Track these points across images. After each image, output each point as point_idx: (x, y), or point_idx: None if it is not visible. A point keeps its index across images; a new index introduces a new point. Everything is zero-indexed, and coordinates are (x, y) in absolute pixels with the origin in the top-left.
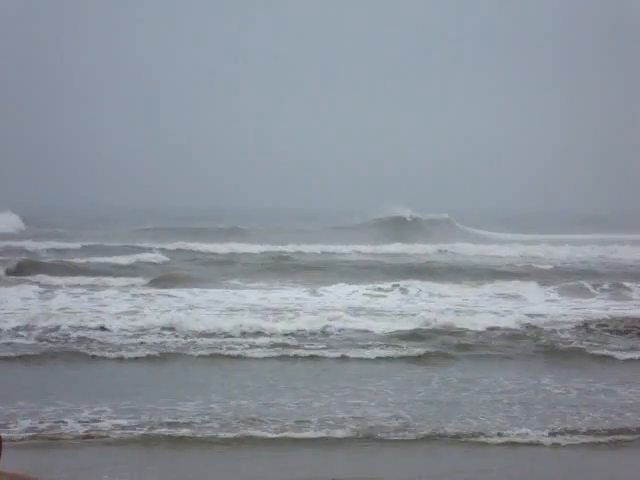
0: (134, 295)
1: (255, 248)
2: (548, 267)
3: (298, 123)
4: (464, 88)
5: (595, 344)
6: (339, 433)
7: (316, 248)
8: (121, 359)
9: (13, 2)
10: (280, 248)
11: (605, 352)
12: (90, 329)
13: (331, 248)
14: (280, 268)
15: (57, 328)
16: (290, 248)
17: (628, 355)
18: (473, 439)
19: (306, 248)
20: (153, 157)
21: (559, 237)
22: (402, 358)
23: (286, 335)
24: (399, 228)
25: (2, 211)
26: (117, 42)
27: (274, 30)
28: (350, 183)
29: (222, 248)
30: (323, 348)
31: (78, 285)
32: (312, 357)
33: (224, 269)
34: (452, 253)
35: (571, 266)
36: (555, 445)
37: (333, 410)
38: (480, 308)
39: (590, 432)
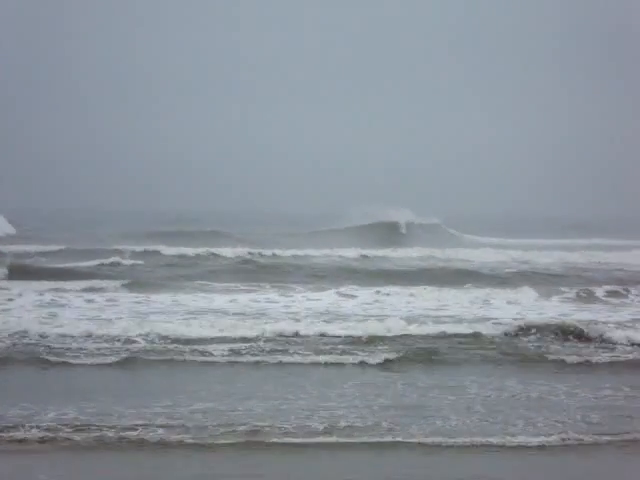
0: (103, 299)
1: (232, 252)
2: (530, 272)
3: (296, 126)
4: (459, 93)
5: (553, 348)
6: (309, 436)
7: (298, 252)
8: (83, 365)
9: (13, 1)
10: (258, 251)
11: (562, 357)
12: (51, 334)
13: (312, 252)
14: (254, 271)
15: (17, 332)
16: (268, 251)
17: (586, 359)
18: (438, 441)
19: (285, 252)
20: (147, 160)
21: (552, 242)
22: (365, 363)
23: (251, 340)
24: (387, 232)
25: None
26: (116, 43)
27: (270, 28)
28: (344, 186)
29: (200, 251)
30: (288, 352)
31: (44, 289)
32: (278, 363)
33: (196, 272)
34: (436, 258)
35: (553, 271)
36: (521, 447)
37: (300, 413)
38: (449, 313)
39: (555, 434)
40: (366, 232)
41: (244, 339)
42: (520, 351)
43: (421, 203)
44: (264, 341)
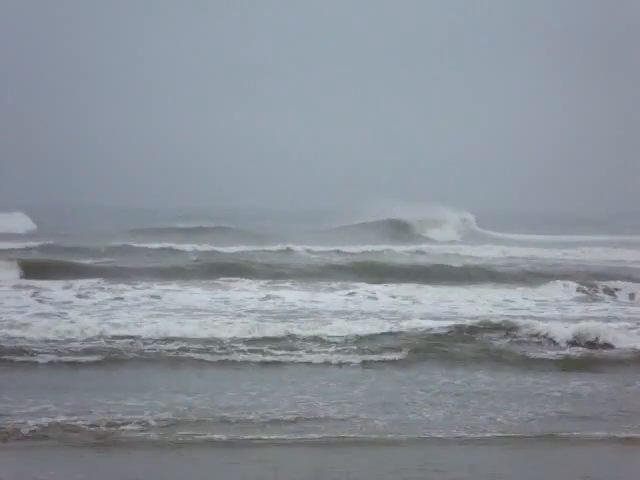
0: (84, 295)
1: (226, 248)
2: (526, 268)
3: (299, 125)
4: (464, 89)
5: (518, 344)
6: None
7: (296, 247)
8: (60, 363)
9: (13, 1)
10: (255, 248)
11: (525, 352)
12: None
13: (315, 248)
14: (243, 267)
15: None
16: (272, 248)
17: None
18: (417, 436)
19: (279, 247)
20: (158, 158)
21: (570, 238)
22: (329, 363)
23: (222, 338)
24: (395, 229)
25: (11, 211)
26: (116, 43)
27: (270, 28)
28: (355, 184)
29: (195, 247)
30: (258, 351)
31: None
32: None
33: (183, 268)
34: (436, 254)
35: (549, 267)
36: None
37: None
38: (424, 310)
39: (525, 427)
40: (380, 229)
41: (216, 340)
42: (488, 348)
43: (426, 200)
44: (240, 341)
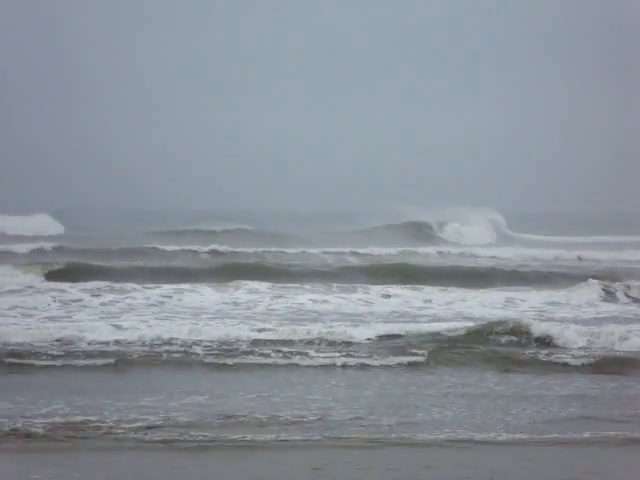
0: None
1: (250, 249)
2: (544, 270)
3: (306, 125)
4: (466, 87)
5: (529, 345)
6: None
7: (315, 250)
8: (71, 365)
9: (13, 1)
10: (270, 249)
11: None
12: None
13: (331, 250)
14: (259, 270)
15: None
16: (287, 249)
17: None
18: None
19: (294, 249)
20: (174, 159)
21: (586, 239)
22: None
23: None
24: (417, 231)
25: (38, 213)
26: (116, 42)
27: (270, 27)
28: (376, 185)
29: (214, 249)
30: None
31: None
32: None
33: (200, 271)
34: (454, 256)
35: (568, 269)
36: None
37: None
38: (428, 312)
39: (533, 428)
40: (399, 231)
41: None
42: (494, 351)
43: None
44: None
